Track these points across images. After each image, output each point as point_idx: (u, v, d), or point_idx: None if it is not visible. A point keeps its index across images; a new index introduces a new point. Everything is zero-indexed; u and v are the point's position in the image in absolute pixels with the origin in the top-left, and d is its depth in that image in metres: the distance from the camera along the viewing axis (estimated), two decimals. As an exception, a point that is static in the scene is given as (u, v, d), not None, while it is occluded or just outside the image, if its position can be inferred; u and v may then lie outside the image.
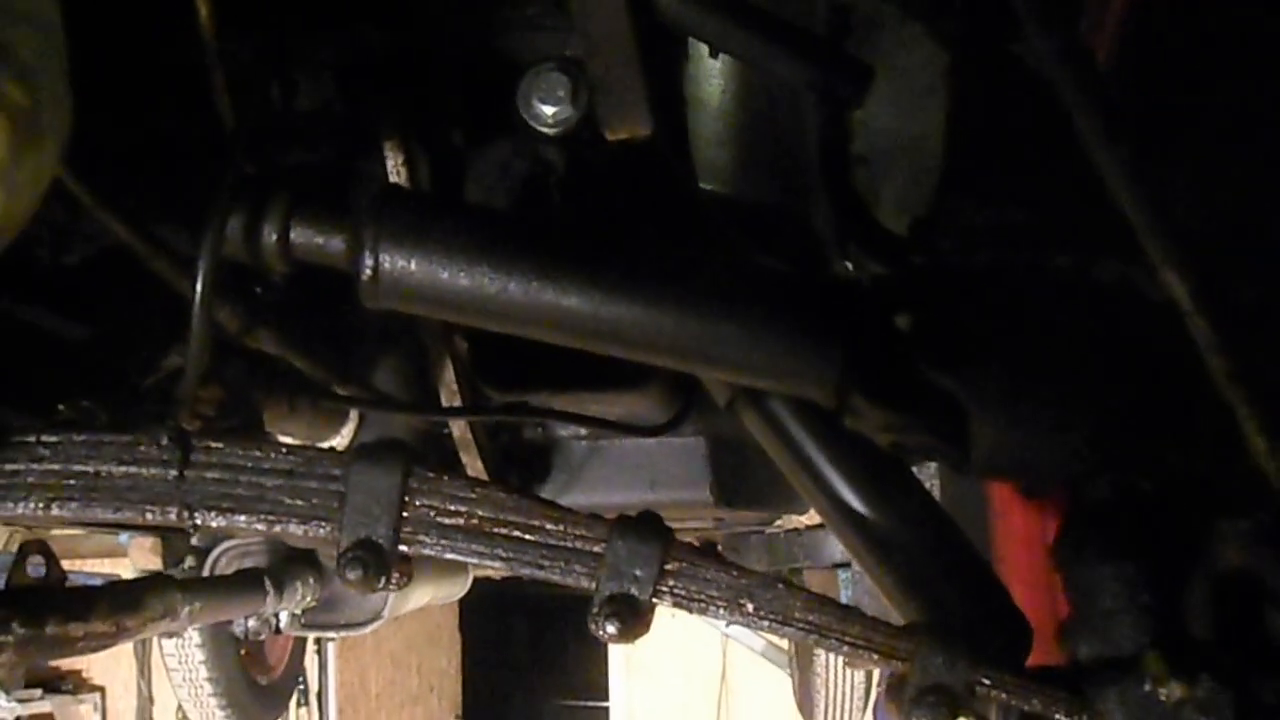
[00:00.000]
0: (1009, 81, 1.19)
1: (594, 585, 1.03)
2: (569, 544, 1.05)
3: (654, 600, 1.03)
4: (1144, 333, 1.17)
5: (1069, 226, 1.29)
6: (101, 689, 7.48)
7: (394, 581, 1.06)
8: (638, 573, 1.02)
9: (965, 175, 1.41)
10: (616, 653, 9.63)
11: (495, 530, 1.05)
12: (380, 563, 1.03)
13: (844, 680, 5.18)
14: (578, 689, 11.29)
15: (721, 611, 1.04)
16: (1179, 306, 0.95)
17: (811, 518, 3.40)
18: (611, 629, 1.01)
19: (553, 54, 1.41)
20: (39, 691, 6.96)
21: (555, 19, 1.45)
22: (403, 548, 1.05)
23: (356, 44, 1.37)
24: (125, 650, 7.19)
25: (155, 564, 3.32)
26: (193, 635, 4.26)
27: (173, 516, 1.06)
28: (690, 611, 1.04)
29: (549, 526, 1.05)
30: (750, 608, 1.04)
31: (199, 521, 1.07)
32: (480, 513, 1.05)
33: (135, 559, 3.42)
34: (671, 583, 1.03)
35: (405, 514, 1.05)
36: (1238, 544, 1.15)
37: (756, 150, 1.74)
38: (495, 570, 1.11)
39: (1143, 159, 0.91)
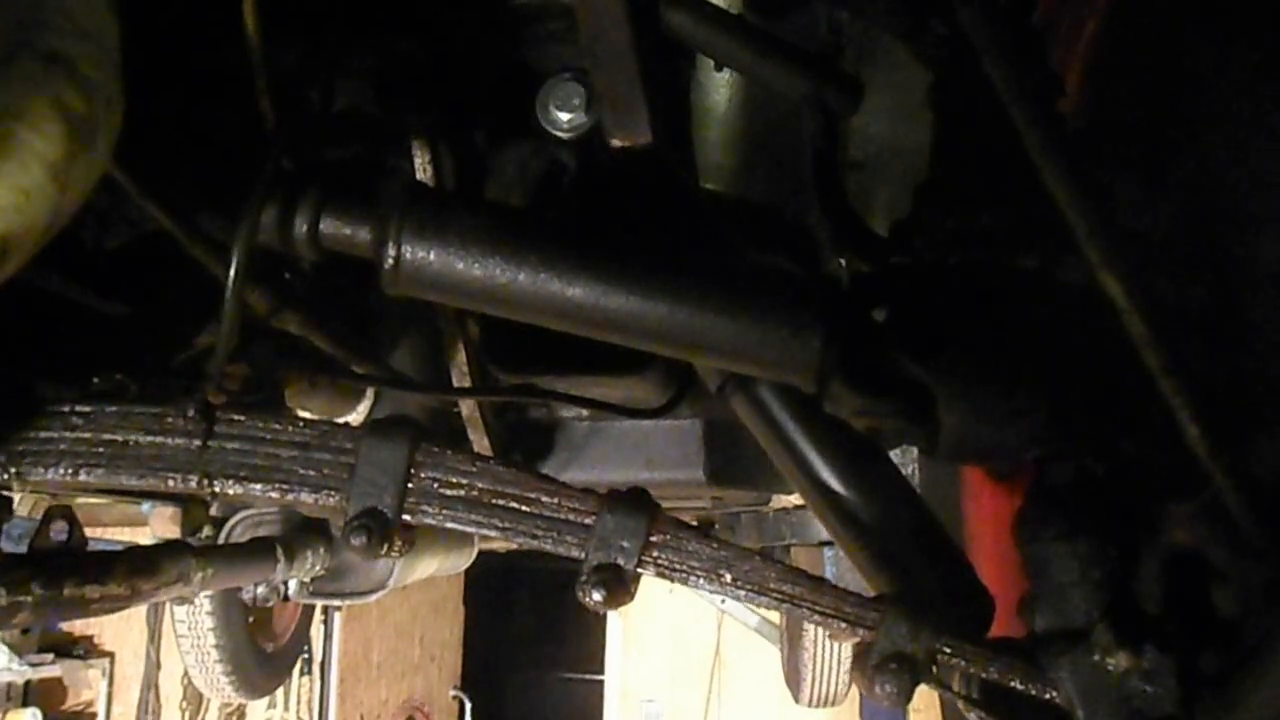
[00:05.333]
0: (983, 98, 1.24)
1: (583, 555, 1.09)
2: (562, 516, 1.11)
3: (639, 570, 1.10)
4: (1099, 327, 1.23)
5: (1033, 230, 1.35)
6: (111, 655, 7.50)
7: (396, 549, 1.12)
8: (624, 544, 1.09)
9: (941, 182, 1.47)
10: (613, 627, 9.68)
11: (494, 502, 1.12)
12: (384, 530, 1.10)
13: (831, 655, 5.24)
14: (575, 662, 11.37)
15: (701, 581, 1.11)
16: (1115, 306, 1.01)
17: (799, 498, 3.45)
18: (598, 596, 1.07)
19: (569, 65, 1.51)
20: (50, 656, 6.96)
21: (571, 33, 1.52)
22: (406, 516, 1.11)
23: (391, 52, 1.43)
24: (137, 617, 7.21)
25: (174, 533, 3.34)
26: (203, 603, 4.31)
27: (193, 484, 1.13)
28: (672, 581, 1.11)
29: (544, 499, 1.12)
30: (729, 578, 1.11)
31: (218, 489, 1.13)
32: (480, 485, 1.12)
33: (155, 528, 3.46)
34: (656, 554, 1.10)
35: (410, 485, 1.11)
36: (1184, 524, 1.21)
37: (757, 155, 1.81)
38: (493, 539, 1.18)
39: (1085, 172, 0.98)
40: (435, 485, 1.12)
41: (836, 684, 5.36)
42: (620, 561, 1.09)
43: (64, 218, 0.91)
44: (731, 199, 1.76)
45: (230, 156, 1.23)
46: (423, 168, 1.48)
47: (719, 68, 1.64)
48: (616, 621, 9.57)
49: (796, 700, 5.67)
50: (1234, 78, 1.21)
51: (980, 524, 1.99)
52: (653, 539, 1.10)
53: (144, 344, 1.42)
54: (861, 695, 6.91)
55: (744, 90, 1.76)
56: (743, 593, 1.11)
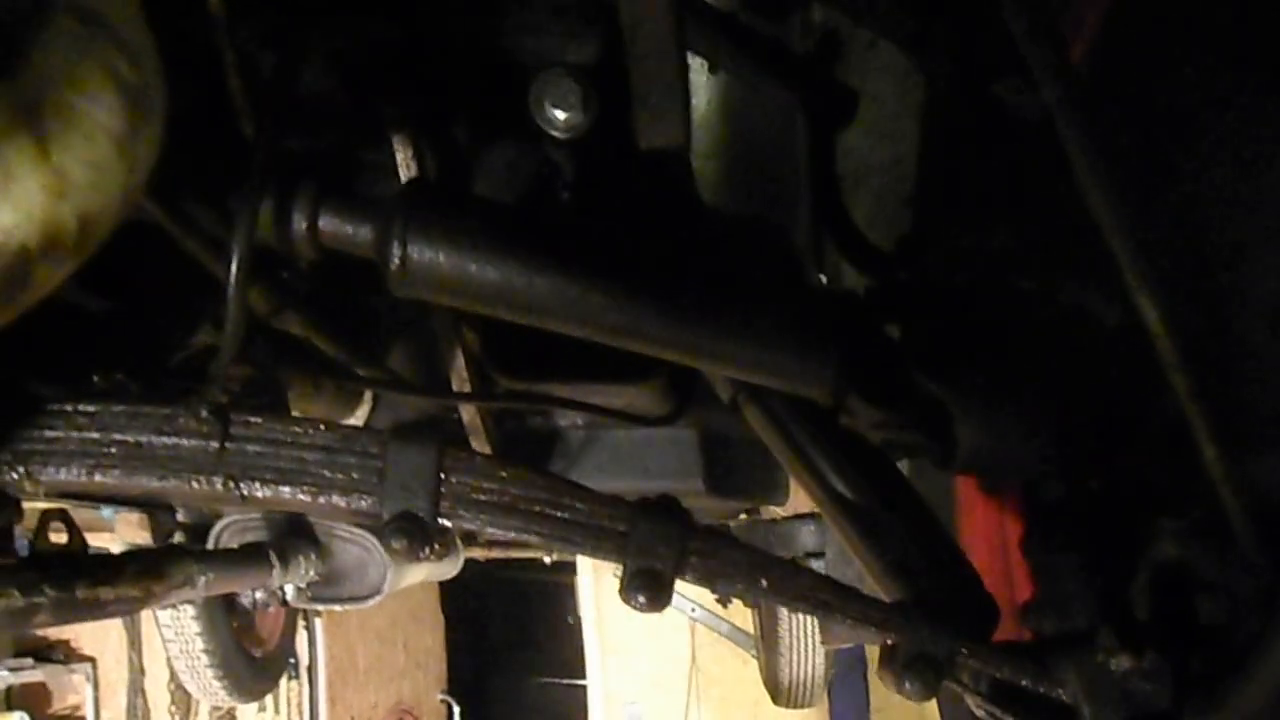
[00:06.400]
0: (991, 117, 1.25)
1: (623, 561, 1.11)
2: (597, 523, 1.12)
3: (676, 575, 1.11)
4: (1098, 348, 1.26)
5: (1039, 252, 1.37)
6: (92, 659, 7.44)
7: (435, 551, 1.12)
8: (662, 549, 1.10)
9: (949, 202, 1.49)
10: (591, 634, 9.70)
11: (529, 508, 1.12)
12: (423, 533, 1.09)
13: (806, 661, 5.28)
14: (558, 667, 11.34)
15: (739, 587, 1.13)
16: (1149, 329, 1.02)
17: (786, 510, 3.46)
18: (641, 599, 1.09)
19: (557, 59, 1.40)
20: (30, 660, 6.89)
21: (558, 24, 1.42)
22: (442, 520, 1.10)
23: (365, 36, 1.35)
24: (114, 622, 7.16)
25: (142, 539, 3.26)
26: (188, 608, 4.27)
27: (218, 487, 1.10)
28: (712, 588, 1.13)
29: (578, 506, 1.12)
30: (765, 584, 1.14)
31: (245, 492, 1.11)
32: (513, 490, 1.12)
33: (123, 534, 3.35)
34: (693, 560, 1.12)
35: (442, 490, 1.10)
36: (1174, 539, 1.26)
37: (741, 164, 1.80)
38: (530, 545, 1.18)
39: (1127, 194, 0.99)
40: (468, 490, 1.11)
41: (811, 687, 5.41)
42: (659, 567, 1.10)
43: (133, 202, 0.84)
44: (715, 207, 1.75)
45: (216, 148, 1.18)
46: (405, 164, 1.40)
47: (712, 70, 1.62)
48: (592, 629, 9.59)
49: (775, 702, 5.72)
50: (1224, 101, 1.24)
51: (973, 536, 2.02)
52: (690, 545, 1.11)
53: (136, 342, 1.38)
54: (830, 698, 7.05)
55: (727, 95, 1.73)
56: (779, 598, 1.14)
